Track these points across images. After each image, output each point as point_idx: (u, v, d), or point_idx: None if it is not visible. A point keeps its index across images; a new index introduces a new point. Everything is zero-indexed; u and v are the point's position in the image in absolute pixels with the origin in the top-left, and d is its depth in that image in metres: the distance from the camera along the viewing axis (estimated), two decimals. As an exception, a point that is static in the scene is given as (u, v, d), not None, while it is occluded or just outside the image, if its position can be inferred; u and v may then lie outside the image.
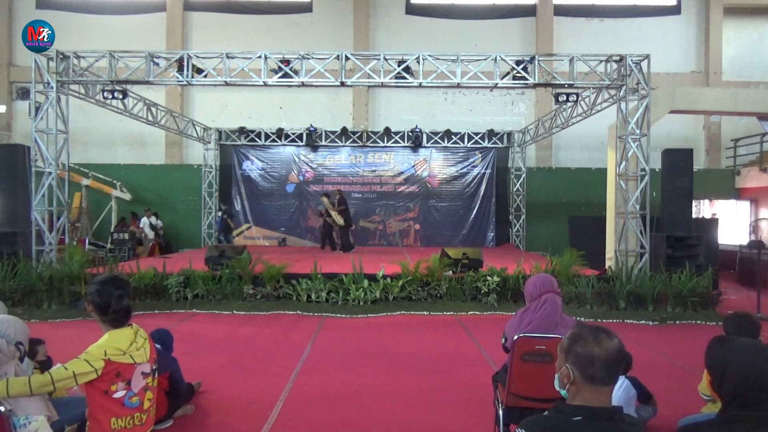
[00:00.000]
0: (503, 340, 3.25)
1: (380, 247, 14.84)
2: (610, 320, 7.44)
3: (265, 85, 9.50)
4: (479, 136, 15.17)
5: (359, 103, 15.63)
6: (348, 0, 15.70)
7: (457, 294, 8.21)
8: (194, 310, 7.76)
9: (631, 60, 8.91)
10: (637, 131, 8.93)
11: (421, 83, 9.32)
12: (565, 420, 1.56)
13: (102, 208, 15.01)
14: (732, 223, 14.72)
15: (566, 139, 15.29)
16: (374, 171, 15.62)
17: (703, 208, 15.56)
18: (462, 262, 8.70)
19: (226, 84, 9.54)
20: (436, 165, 15.60)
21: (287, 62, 9.24)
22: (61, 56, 9.13)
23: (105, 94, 9.80)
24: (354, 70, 9.72)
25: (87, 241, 13.93)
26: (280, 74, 9.28)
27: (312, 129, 14.75)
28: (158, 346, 3.32)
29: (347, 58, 9.26)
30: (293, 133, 15.18)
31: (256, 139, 15.29)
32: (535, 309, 3.16)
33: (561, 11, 15.64)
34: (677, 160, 9.13)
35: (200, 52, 9.89)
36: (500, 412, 3.13)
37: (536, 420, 1.60)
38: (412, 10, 15.79)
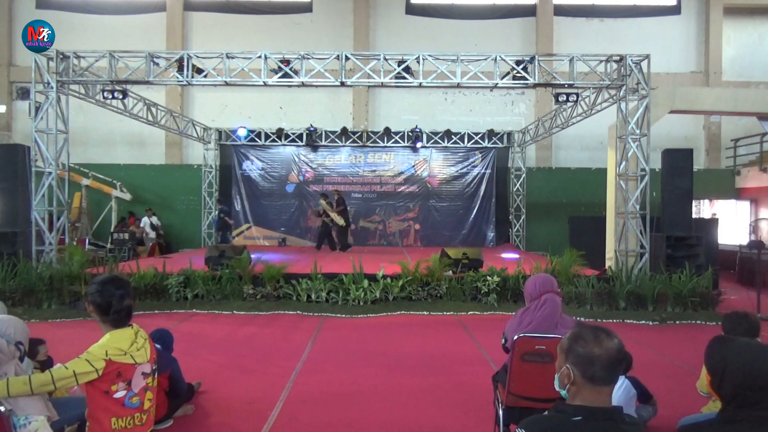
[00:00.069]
0: (503, 340, 3.25)
1: (380, 247, 14.84)
2: (610, 320, 7.44)
3: (265, 85, 9.50)
4: (479, 136, 15.17)
5: (359, 103, 15.63)
6: (348, 0, 15.69)
7: (457, 294, 8.21)
8: (194, 310, 7.76)
9: (631, 60, 8.91)
10: (637, 131, 8.93)
11: (421, 83, 9.32)
12: (565, 420, 1.56)
13: (102, 208, 15.01)
14: (732, 223, 14.72)
15: (566, 139, 15.29)
16: (374, 171, 15.62)
17: (703, 208, 15.56)
18: (462, 262, 8.70)
19: (226, 84, 9.54)
20: (436, 165, 15.60)
21: (287, 62, 9.24)
22: (61, 56, 9.13)
23: (105, 94, 9.80)
24: (354, 70, 9.72)
25: (87, 241, 13.93)
26: (280, 74, 9.28)
27: (312, 129, 14.75)
28: (158, 346, 3.32)
29: (347, 58, 9.26)
30: (293, 133, 15.19)
31: (256, 139, 15.29)
32: (535, 309, 3.16)
33: (561, 11, 15.64)
34: (677, 160, 9.13)
35: (200, 52, 9.89)
36: (500, 412, 3.13)
37: (536, 420, 1.60)
38: (412, 10, 15.79)
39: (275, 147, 15.51)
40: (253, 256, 9.13)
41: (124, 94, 10.00)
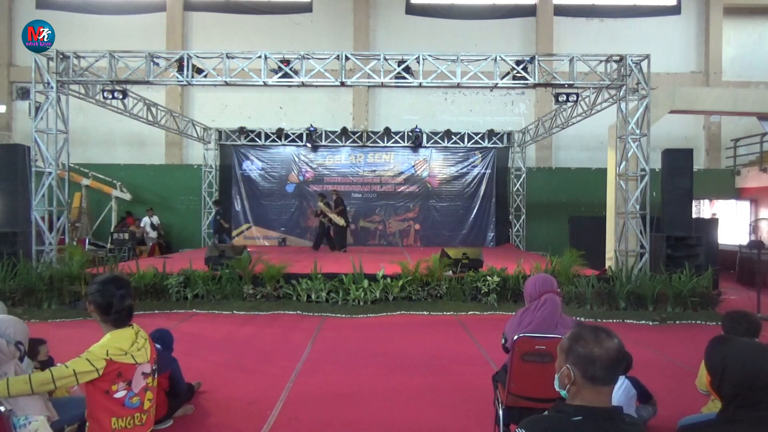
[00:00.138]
0: (503, 341, 3.25)
1: (380, 247, 14.84)
2: (610, 320, 7.44)
3: (265, 85, 9.50)
4: (479, 136, 15.17)
5: (359, 103, 15.63)
6: (348, 0, 15.69)
7: (457, 294, 8.21)
8: (194, 310, 7.76)
9: (631, 60, 8.91)
10: (637, 131, 8.93)
11: (421, 83, 9.32)
12: (565, 420, 1.56)
13: (102, 208, 15.01)
14: (732, 223, 14.72)
15: (566, 139, 15.29)
16: (374, 171, 15.62)
17: (703, 208, 15.55)
18: (462, 262, 8.70)
19: (226, 84, 9.54)
20: (436, 165, 15.59)
21: (287, 62, 9.24)
22: (61, 56, 9.13)
23: (105, 94, 9.80)
24: (354, 70, 9.72)
25: (87, 241, 13.93)
26: (280, 74, 9.28)
27: (312, 129, 14.75)
28: (158, 346, 3.32)
29: (347, 58, 9.26)
30: (293, 133, 15.19)
31: (256, 139, 15.30)
32: (534, 309, 3.16)
33: (561, 11, 15.64)
34: (677, 160, 9.13)
35: (200, 52, 9.89)
36: (500, 412, 3.13)
37: (536, 420, 1.60)
38: (412, 10, 15.79)
39: (275, 147, 15.51)
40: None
41: (124, 94, 10.00)
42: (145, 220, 14.22)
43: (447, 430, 3.71)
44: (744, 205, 14.99)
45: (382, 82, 9.55)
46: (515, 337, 2.98)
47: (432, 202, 15.55)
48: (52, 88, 9.09)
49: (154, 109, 12.37)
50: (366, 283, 8.10)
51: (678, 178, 9.01)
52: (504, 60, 9.17)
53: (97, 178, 14.83)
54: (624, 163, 9.03)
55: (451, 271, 8.60)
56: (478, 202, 15.49)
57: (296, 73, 9.30)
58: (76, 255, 8.60)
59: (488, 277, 8.18)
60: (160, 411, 3.33)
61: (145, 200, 15.23)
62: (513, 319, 3.26)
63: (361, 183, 15.62)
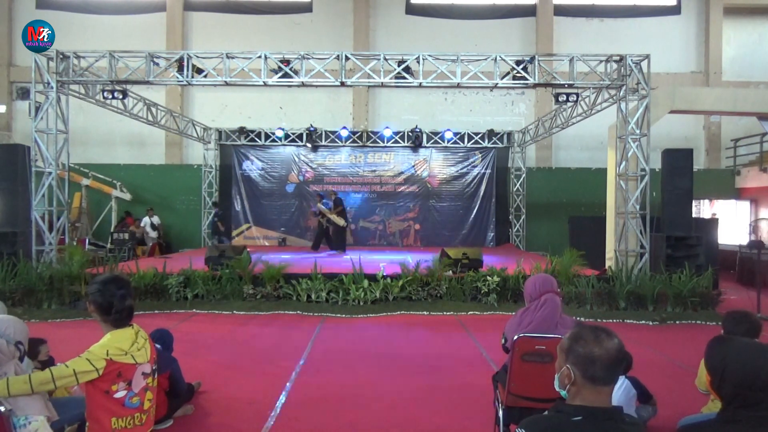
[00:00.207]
0: (503, 341, 3.25)
1: (380, 247, 14.84)
2: (610, 320, 7.44)
3: (265, 85, 9.50)
4: (479, 136, 15.17)
5: (359, 103, 15.63)
6: (348, 0, 15.69)
7: (457, 294, 8.21)
8: (194, 310, 7.76)
9: (631, 60, 8.91)
10: (637, 131, 8.93)
11: (421, 83, 9.32)
12: (565, 420, 1.56)
13: (102, 208, 15.01)
14: (732, 223, 14.71)
15: (566, 139, 15.29)
16: (374, 171, 15.62)
17: (703, 208, 15.55)
18: (462, 262, 8.70)
19: (226, 84, 9.54)
20: (436, 165, 15.60)
21: (287, 62, 9.24)
22: (61, 56, 9.13)
23: (105, 94, 9.80)
24: (354, 70, 9.72)
25: (87, 241, 13.93)
26: (280, 74, 9.28)
27: (312, 129, 14.75)
28: (158, 346, 3.32)
29: (347, 58, 9.26)
30: (293, 133, 15.18)
31: (256, 139, 15.29)
32: (534, 309, 3.16)
33: (561, 11, 15.64)
34: (677, 160, 9.13)
35: (200, 52, 9.89)
36: (500, 412, 3.13)
37: (536, 420, 1.60)
38: (412, 10, 15.79)
39: (275, 147, 15.51)
40: (253, 256, 9.13)
41: (124, 94, 10.00)
42: (146, 220, 14.22)
43: (447, 430, 3.71)
44: (744, 205, 14.99)
45: (382, 82, 9.55)
46: (515, 337, 2.98)
47: (432, 202, 15.55)
48: (52, 88, 9.09)
49: (154, 109, 12.37)
50: (366, 283, 8.10)
51: (678, 178, 9.01)
52: (504, 60, 9.17)
53: (97, 178, 14.83)
54: (624, 163, 9.03)
55: (451, 271, 8.60)
56: (478, 202, 15.50)
57: (296, 73, 9.30)
58: (76, 255, 8.60)
59: (488, 277, 8.18)
60: (160, 411, 3.33)
61: (145, 200, 15.22)
62: (513, 319, 3.26)
63: (361, 183, 15.62)
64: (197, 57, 9.52)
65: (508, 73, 9.25)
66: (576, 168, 15.52)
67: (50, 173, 9.14)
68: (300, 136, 15.15)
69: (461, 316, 7.57)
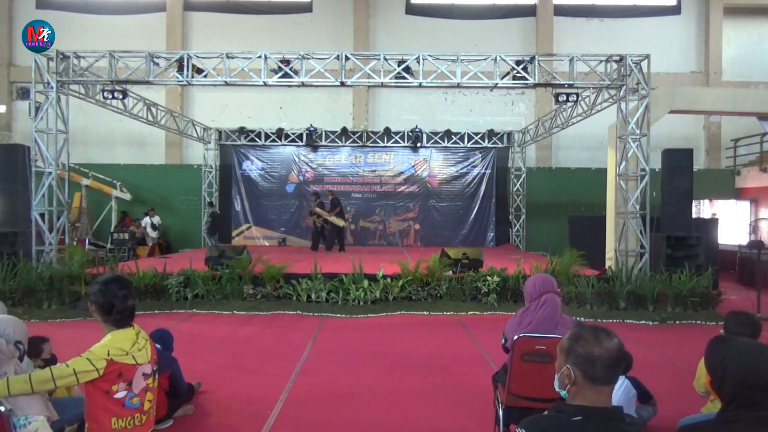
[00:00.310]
0: (503, 341, 3.25)
1: (380, 247, 14.84)
2: (610, 320, 7.44)
3: (265, 85, 9.50)
4: (479, 136, 15.17)
5: (359, 103, 15.63)
6: (348, 0, 15.69)
7: (457, 294, 8.21)
8: (194, 310, 7.76)
9: (631, 60, 8.91)
10: (637, 131, 8.93)
11: (421, 83, 9.32)
12: (565, 420, 1.56)
13: (102, 208, 15.01)
14: (732, 223, 14.71)
15: (566, 139, 15.29)
16: (374, 171, 15.62)
17: (703, 208, 15.55)
18: (462, 262, 8.70)
19: (226, 84, 9.54)
20: (436, 165, 15.60)
21: (287, 62, 9.24)
22: (61, 56, 9.13)
23: (105, 94, 9.80)
24: (354, 70, 9.72)
25: (87, 241, 13.93)
26: (280, 74, 9.28)
27: (312, 129, 14.75)
28: (158, 346, 3.32)
29: (347, 58, 9.26)
30: (293, 133, 15.18)
31: (256, 139, 15.29)
32: (534, 309, 3.16)
33: (561, 11, 15.64)
34: (677, 160, 9.13)
35: (200, 52, 9.89)
36: (500, 412, 3.13)
37: (536, 420, 1.60)
38: (412, 10, 15.79)
39: (275, 147, 15.51)
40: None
41: (124, 94, 10.00)
42: (146, 220, 14.21)
43: (447, 430, 3.71)
44: (744, 205, 14.99)
45: (382, 82, 9.55)
46: (515, 337, 2.98)
47: (432, 202, 15.55)
48: (52, 88, 9.09)
49: (154, 109, 12.37)
50: (366, 283, 8.10)
51: (678, 178, 9.01)
52: (504, 60, 9.17)
53: (97, 178, 14.83)
54: (624, 163, 9.03)
55: (451, 271, 8.60)
56: (478, 202, 15.50)
57: (296, 73, 9.30)
58: (76, 255, 8.60)
59: (488, 277, 8.18)
60: (160, 411, 3.33)
61: (145, 200, 15.22)
62: (513, 319, 3.26)
63: (361, 183, 15.62)
64: (197, 57, 9.52)
65: (508, 73, 9.25)
66: (576, 168, 15.52)
67: (50, 173, 9.14)
68: (300, 136, 15.15)
69: (461, 316, 7.57)
